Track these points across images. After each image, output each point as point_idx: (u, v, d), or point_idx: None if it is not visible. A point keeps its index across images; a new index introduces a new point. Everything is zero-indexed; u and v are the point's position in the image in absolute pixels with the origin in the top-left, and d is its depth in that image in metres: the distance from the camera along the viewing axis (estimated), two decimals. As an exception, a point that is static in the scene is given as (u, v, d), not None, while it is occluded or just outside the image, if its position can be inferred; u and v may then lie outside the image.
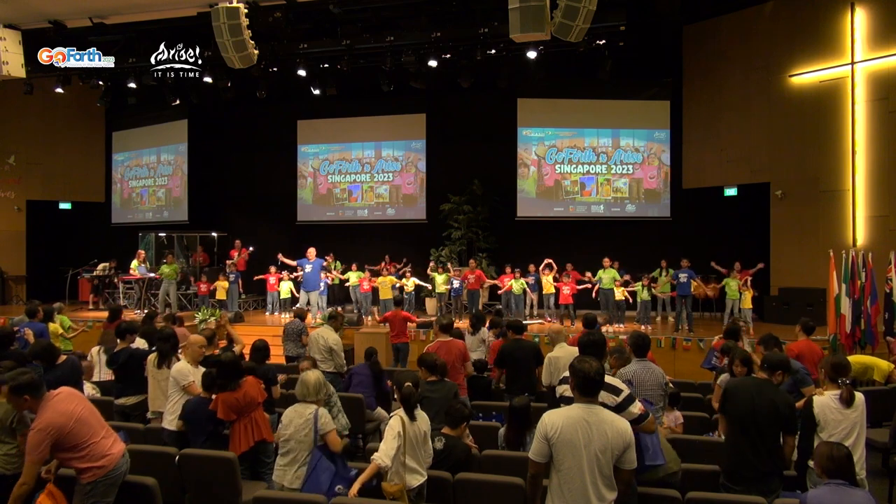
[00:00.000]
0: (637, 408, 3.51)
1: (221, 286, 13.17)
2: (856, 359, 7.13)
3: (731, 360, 5.34)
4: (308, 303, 12.13)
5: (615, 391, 3.51)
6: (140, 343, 6.30)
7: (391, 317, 9.34)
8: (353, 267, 13.44)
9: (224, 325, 7.05)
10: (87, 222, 17.63)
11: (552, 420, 2.95)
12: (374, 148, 15.97)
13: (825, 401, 3.98)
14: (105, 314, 9.29)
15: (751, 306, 11.08)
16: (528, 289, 12.70)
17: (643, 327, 11.60)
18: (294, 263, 12.54)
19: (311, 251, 12.22)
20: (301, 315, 8.84)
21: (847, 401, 3.95)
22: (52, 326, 7.63)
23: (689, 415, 5.71)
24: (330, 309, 11.41)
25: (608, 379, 3.50)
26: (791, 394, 4.94)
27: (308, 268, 12.17)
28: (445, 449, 4.16)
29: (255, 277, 13.76)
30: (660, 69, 14.18)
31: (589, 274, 12.35)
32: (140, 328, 6.68)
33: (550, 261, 12.58)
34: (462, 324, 11.85)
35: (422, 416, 4.03)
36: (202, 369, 5.19)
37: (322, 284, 12.81)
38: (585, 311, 7.53)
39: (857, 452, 3.83)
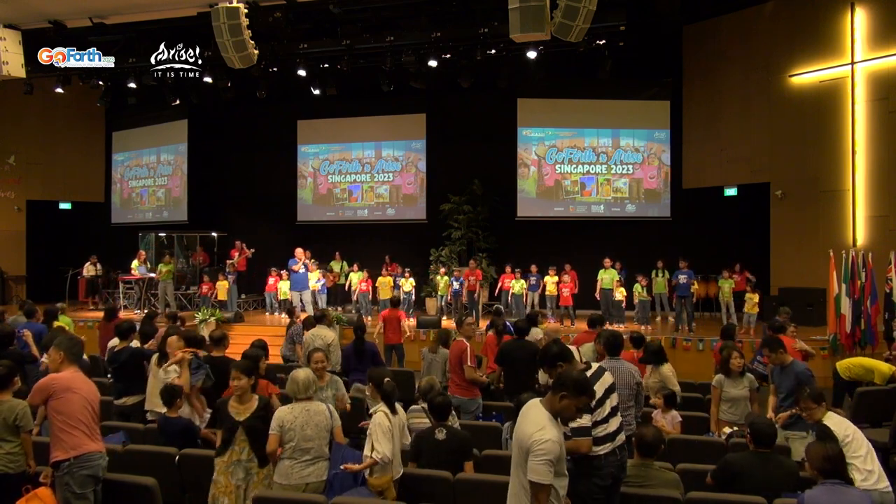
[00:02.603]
0: (581, 420, 3.32)
1: (222, 286, 13.18)
2: (858, 361, 7.14)
3: (726, 357, 5.35)
4: (301, 302, 12.11)
5: None
6: (134, 343, 6.26)
7: (387, 316, 9.31)
8: (355, 267, 13.44)
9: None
10: (87, 222, 17.62)
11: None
12: (374, 148, 15.97)
13: (838, 420, 4.03)
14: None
15: (755, 311, 11.04)
16: (526, 290, 12.73)
17: (643, 327, 11.62)
18: (295, 268, 12.37)
19: (299, 251, 12.16)
20: (320, 316, 8.10)
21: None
22: (56, 325, 7.63)
23: (688, 415, 5.70)
24: (324, 308, 11.42)
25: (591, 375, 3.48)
26: (791, 396, 4.96)
27: (297, 268, 12.12)
28: (448, 438, 4.19)
29: (268, 290, 13.67)
30: (660, 69, 14.18)
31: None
32: (140, 328, 6.67)
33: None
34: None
35: (399, 408, 4.20)
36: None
37: (319, 285, 12.82)
38: (591, 312, 7.52)
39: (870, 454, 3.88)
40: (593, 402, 3.42)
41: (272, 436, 3.91)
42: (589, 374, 3.51)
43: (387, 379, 4.30)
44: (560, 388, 2.85)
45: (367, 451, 3.93)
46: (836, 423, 4.01)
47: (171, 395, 4.75)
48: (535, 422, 2.84)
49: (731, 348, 5.58)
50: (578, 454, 3.41)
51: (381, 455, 3.81)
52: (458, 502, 3.91)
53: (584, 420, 3.40)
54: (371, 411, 4.17)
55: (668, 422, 5.31)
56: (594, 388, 3.44)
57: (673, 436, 5.06)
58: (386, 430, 3.88)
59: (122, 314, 11.22)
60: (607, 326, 11.00)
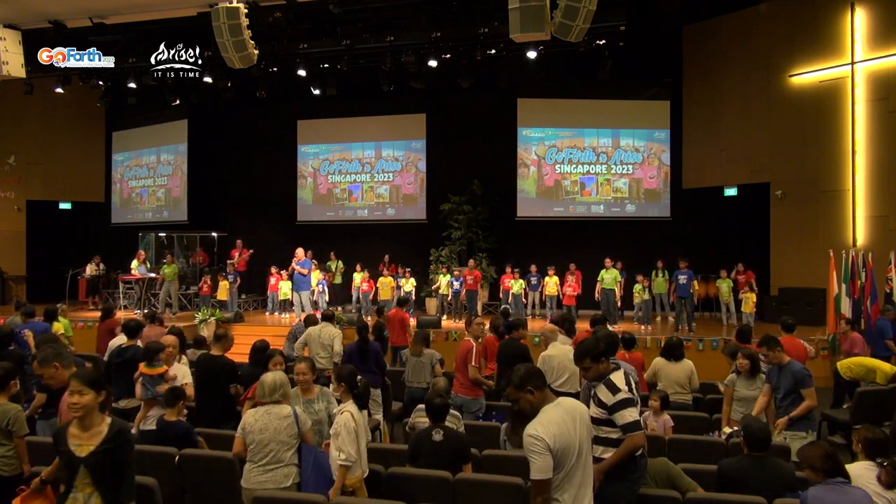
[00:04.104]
0: (632, 415, 3.38)
1: (222, 286, 13.20)
2: (859, 360, 7.14)
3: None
4: (301, 303, 12.10)
5: (613, 390, 3.43)
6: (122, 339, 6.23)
7: (391, 317, 9.31)
8: (358, 267, 13.43)
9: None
10: (87, 222, 17.63)
11: (543, 430, 2.79)
12: (374, 148, 15.97)
13: (858, 470, 3.44)
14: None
15: (753, 311, 11.06)
16: (526, 289, 12.76)
17: (643, 327, 11.62)
18: (304, 271, 12.28)
19: (300, 251, 12.13)
20: (318, 319, 7.99)
21: (889, 484, 3.32)
22: (55, 326, 7.63)
23: (689, 415, 5.71)
24: (330, 308, 11.41)
25: (614, 377, 3.47)
26: (791, 394, 4.95)
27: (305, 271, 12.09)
28: (446, 440, 4.16)
29: (271, 290, 13.59)
30: (660, 69, 14.18)
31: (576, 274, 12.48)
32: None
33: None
34: (459, 325, 11.89)
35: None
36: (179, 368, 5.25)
37: (321, 286, 12.80)
38: (592, 312, 7.50)
39: None
40: (636, 398, 3.47)
41: (236, 439, 3.93)
42: (622, 373, 3.53)
43: (359, 377, 4.28)
44: (603, 355, 3.48)
45: (333, 452, 3.89)
46: (857, 474, 3.39)
47: (174, 396, 4.72)
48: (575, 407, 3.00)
49: (733, 349, 5.64)
50: (632, 452, 3.37)
51: (345, 457, 3.79)
52: (457, 502, 3.91)
53: (634, 413, 3.38)
54: (336, 411, 4.11)
55: (660, 425, 5.31)
56: (632, 389, 3.49)
57: (673, 437, 5.06)
58: (351, 431, 3.85)
59: (122, 314, 11.23)
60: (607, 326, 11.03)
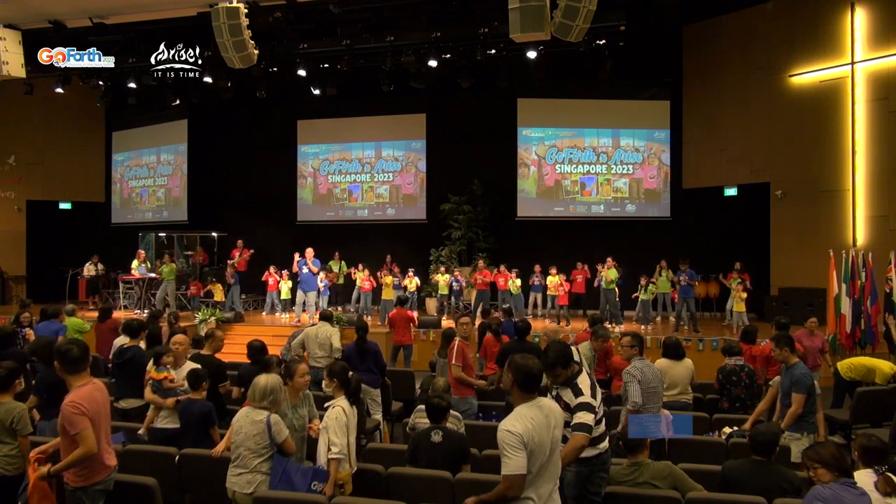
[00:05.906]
0: (586, 418, 3.44)
1: (217, 289, 13.21)
2: (859, 360, 7.14)
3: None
4: (304, 303, 12.11)
5: (577, 393, 3.51)
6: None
7: (394, 316, 9.33)
8: (360, 266, 13.42)
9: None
10: (87, 222, 17.63)
11: (520, 425, 2.86)
12: (374, 148, 15.97)
13: (860, 477, 3.33)
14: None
15: (743, 309, 11.04)
16: (531, 290, 12.77)
17: (643, 327, 11.61)
18: (316, 269, 12.23)
19: (309, 251, 12.16)
20: (328, 316, 7.92)
21: (885, 492, 3.23)
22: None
23: (689, 415, 5.70)
24: (330, 309, 11.41)
25: (580, 381, 3.54)
26: (788, 395, 4.95)
27: (305, 268, 12.11)
28: (445, 441, 4.14)
29: (270, 290, 13.54)
30: (660, 69, 14.18)
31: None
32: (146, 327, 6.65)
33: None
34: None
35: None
36: (188, 366, 5.24)
37: (322, 285, 12.81)
38: (593, 312, 7.50)
39: None
40: (596, 404, 3.53)
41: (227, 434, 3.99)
42: (585, 376, 3.60)
43: (351, 373, 4.27)
44: (571, 359, 3.57)
45: (322, 447, 3.85)
46: (861, 482, 3.28)
47: (196, 378, 4.72)
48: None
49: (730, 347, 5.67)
50: (578, 451, 3.43)
51: (336, 449, 3.79)
52: (457, 502, 3.91)
53: (588, 417, 3.45)
54: (327, 405, 4.08)
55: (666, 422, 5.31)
56: (595, 395, 3.56)
57: (670, 436, 5.06)
58: (342, 425, 3.87)
59: (123, 314, 11.24)
60: (606, 325, 11.01)
